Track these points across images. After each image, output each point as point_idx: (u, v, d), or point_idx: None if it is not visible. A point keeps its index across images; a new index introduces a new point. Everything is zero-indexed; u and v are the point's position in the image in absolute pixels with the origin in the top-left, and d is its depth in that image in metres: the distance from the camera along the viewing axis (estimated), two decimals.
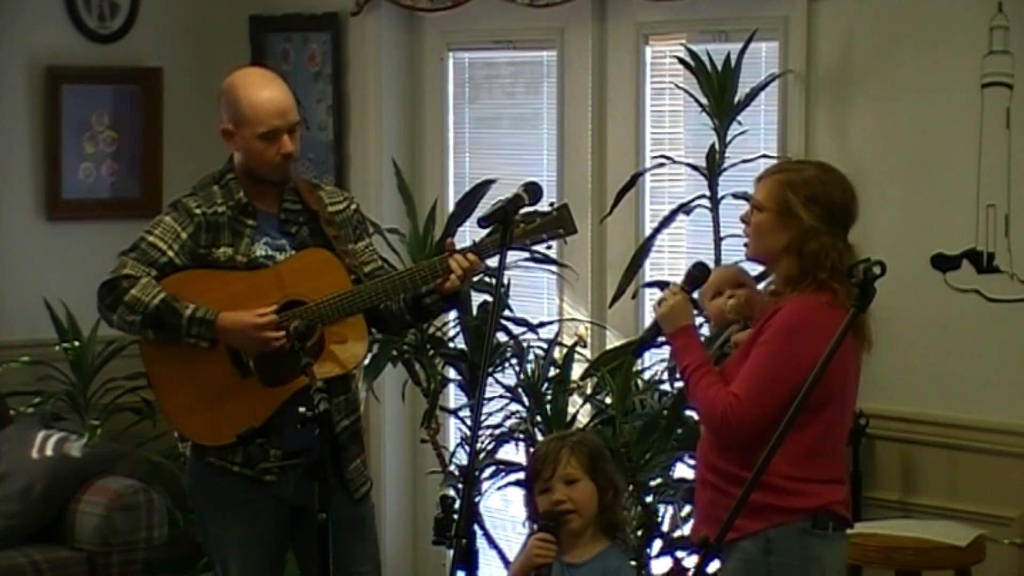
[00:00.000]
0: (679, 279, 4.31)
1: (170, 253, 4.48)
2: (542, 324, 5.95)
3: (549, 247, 5.53)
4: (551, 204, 4.55)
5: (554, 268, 6.12)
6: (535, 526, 4.21)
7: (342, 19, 6.95)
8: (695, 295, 4.31)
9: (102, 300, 4.48)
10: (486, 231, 4.43)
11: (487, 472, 5.69)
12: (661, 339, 4.33)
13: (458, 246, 4.53)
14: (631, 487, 5.14)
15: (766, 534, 4.01)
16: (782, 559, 4.02)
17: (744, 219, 4.16)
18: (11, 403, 6.67)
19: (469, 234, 5.79)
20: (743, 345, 4.12)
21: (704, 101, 5.53)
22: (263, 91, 4.52)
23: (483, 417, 5.59)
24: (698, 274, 4.29)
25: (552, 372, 5.71)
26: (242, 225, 4.54)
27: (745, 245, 4.19)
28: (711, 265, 4.50)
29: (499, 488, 5.75)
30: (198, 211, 4.52)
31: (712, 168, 5.47)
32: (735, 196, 5.40)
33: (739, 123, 5.50)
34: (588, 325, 6.16)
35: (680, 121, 6.03)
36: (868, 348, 4.10)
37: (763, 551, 4.01)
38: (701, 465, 4.16)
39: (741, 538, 3.99)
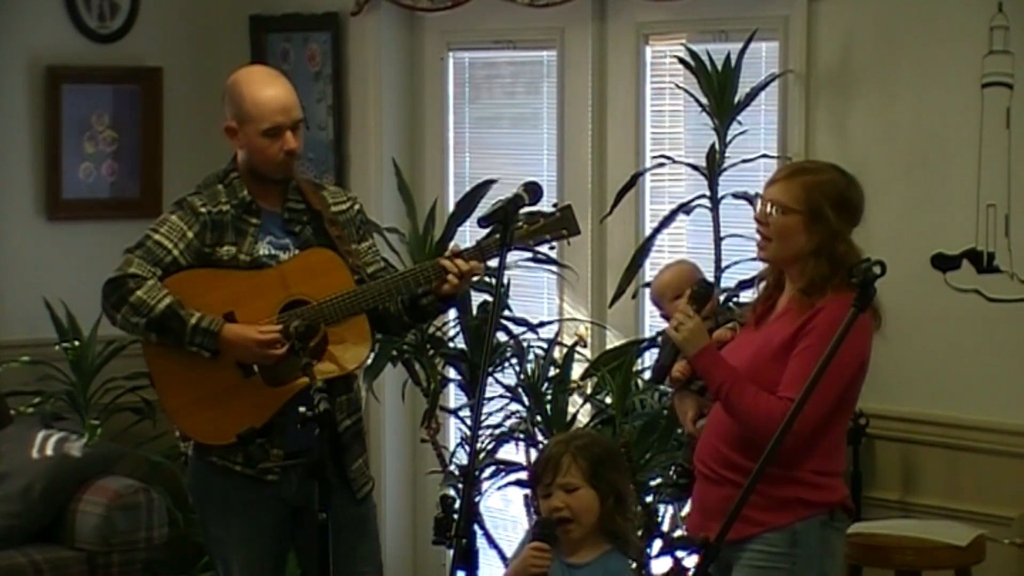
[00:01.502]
0: (683, 299, 4.34)
1: (175, 252, 4.48)
2: (542, 324, 5.95)
3: (552, 247, 5.54)
4: (555, 205, 4.55)
5: (554, 268, 6.12)
6: (531, 532, 4.20)
7: (342, 19, 6.95)
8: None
9: (107, 298, 4.47)
10: (486, 231, 4.43)
11: (487, 472, 5.69)
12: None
13: (460, 247, 4.53)
14: (631, 487, 5.14)
15: (792, 527, 4.07)
16: (805, 551, 4.09)
17: (761, 219, 4.13)
18: (11, 403, 6.67)
19: (469, 234, 5.79)
20: (774, 345, 4.10)
21: (704, 101, 5.53)
22: (267, 88, 4.52)
23: (483, 417, 5.59)
24: (704, 292, 4.31)
25: (552, 372, 5.71)
26: (246, 224, 4.54)
27: (759, 246, 4.16)
28: (710, 280, 4.53)
29: (499, 488, 5.75)
30: (203, 210, 4.52)
31: (712, 168, 5.47)
32: (735, 196, 5.41)
33: (739, 123, 5.50)
34: (588, 325, 6.16)
35: (680, 121, 6.03)
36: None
37: (790, 544, 4.08)
38: (713, 463, 4.16)
39: (765, 531, 4.06)
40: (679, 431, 5.33)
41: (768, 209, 4.10)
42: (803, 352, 4.03)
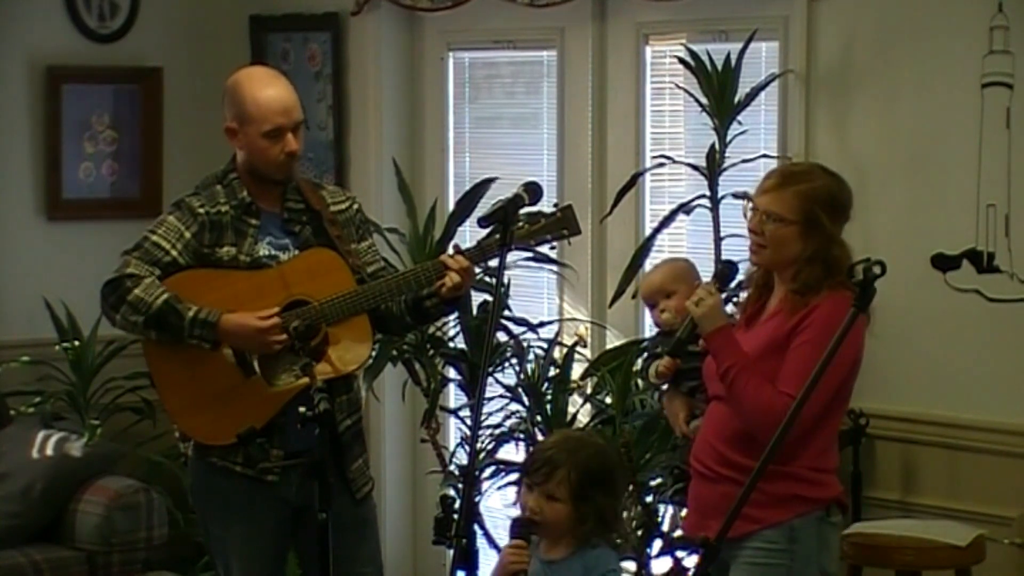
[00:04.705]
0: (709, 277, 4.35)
1: (173, 252, 4.48)
2: (542, 324, 5.96)
3: (553, 247, 5.54)
4: (555, 205, 4.56)
5: (554, 268, 6.13)
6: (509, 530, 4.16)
7: (342, 19, 6.95)
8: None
9: (105, 299, 4.48)
10: (486, 231, 4.43)
11: (487, 472, 5.69)
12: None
13: (462, 247, 4.53)
14: (631, 487, 5.14)
15: (791, 524, 4.10)
16: (803, 547, 4.11)
17: (755, 229, 4.15)
18: (11, 403, 6.68)
19: (469, 234, 5.79)
20: (770, 343, 4.11)
21: (704, 101, 5.53)
22: (268, 89, 4.52)
23: (483, 417, 5.60)
24: (729, 273, 4.32)
25: (552, 372, 5.71)
26: (245, 224, 4.53)
27: (752, 251, 4.18)
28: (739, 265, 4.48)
29: (499, 488, 5.75)
30: (201, 210, 4.52)
31: (712, 168, 5.48)
32: (735, 196, 5.40)
33: (739, 123, 5.51)
34: (588, 325, 6.16)
35: (680, 121, 6.03)
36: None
37: (788, 540, 4.10)
38: (709, 460, 4.17)
39: (764, 528, 4.08)
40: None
41: (762, 219, 4.12)
42: (800, 347, 4.05)
